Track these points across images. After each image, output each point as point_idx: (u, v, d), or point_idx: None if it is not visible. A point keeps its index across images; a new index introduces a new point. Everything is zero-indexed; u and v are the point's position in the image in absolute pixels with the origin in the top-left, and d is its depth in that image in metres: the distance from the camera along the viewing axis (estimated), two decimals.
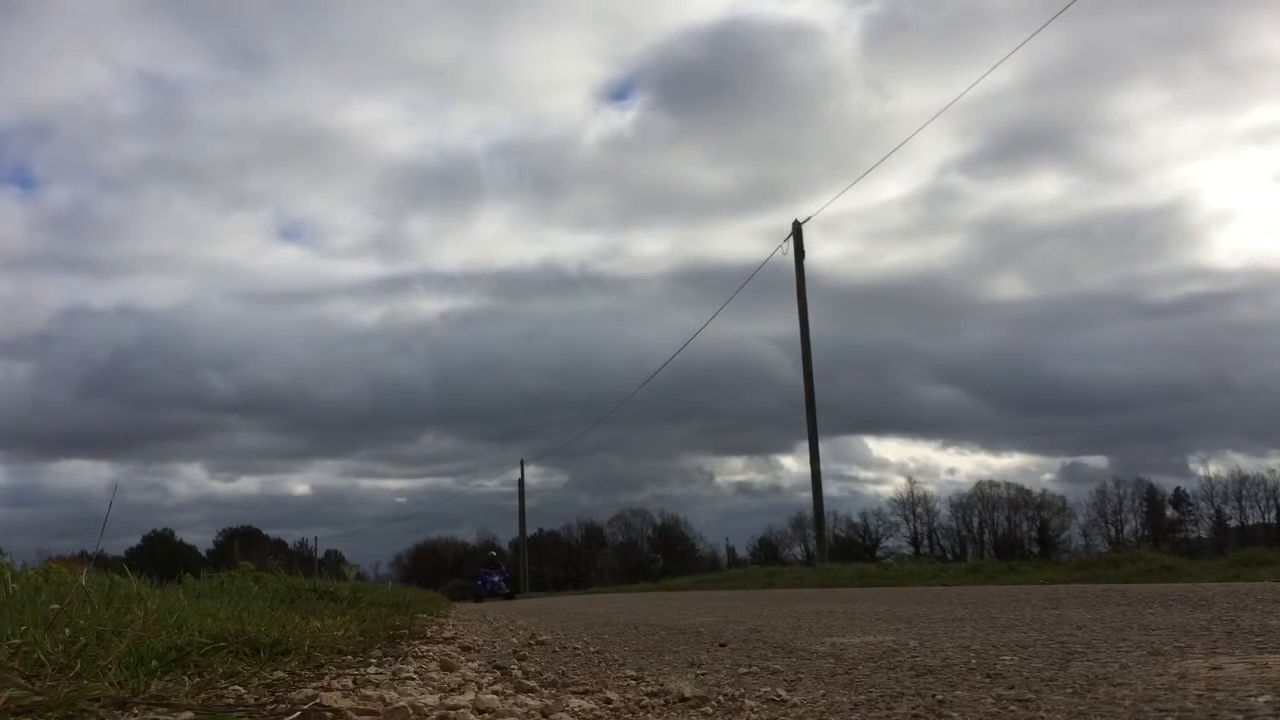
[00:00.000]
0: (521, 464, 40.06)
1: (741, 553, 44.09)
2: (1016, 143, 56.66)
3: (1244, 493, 39.89)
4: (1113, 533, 39.62)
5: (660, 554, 48.21)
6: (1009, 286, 58.91)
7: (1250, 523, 38.89)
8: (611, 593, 21.13)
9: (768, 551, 41.60)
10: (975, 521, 42.19)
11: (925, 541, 42.69)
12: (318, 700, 1.43)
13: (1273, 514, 39.63)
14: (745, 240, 55.99)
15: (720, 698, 1.50)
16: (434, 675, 1.86)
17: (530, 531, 43.35)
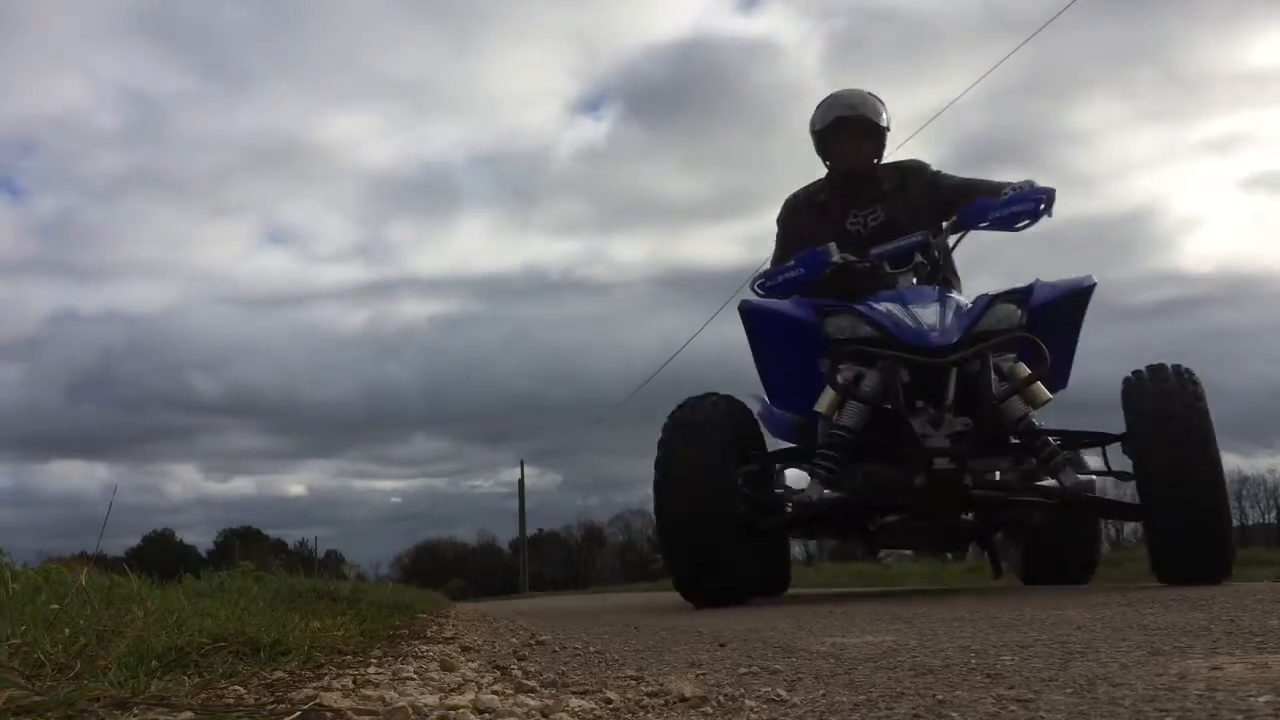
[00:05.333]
0: (521, 464, 39.86)
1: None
2: (980, 152, 57.24)
3: (1244, 493, 39.86)
4: (1113, 533, 39.55)
5: (661, 554, 48.12)
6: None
7: (1250, 523, 38.86)
8: (612, 592, 21.10)
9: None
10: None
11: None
12: (318, 700, 1.43)
13: (1273, 514, 39.55)
14: (723, 245, 56.32)
15: (720, 697, 1.50)
16: (434, 675, 1.86)
17: (530, 532, 43.31)
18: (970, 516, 4.63)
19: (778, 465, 4.49)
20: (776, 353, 4.35)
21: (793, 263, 4.40)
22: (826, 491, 4.03)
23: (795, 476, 4.57)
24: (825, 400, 4.05)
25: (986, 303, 4.10)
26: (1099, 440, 4.18)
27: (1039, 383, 3.91)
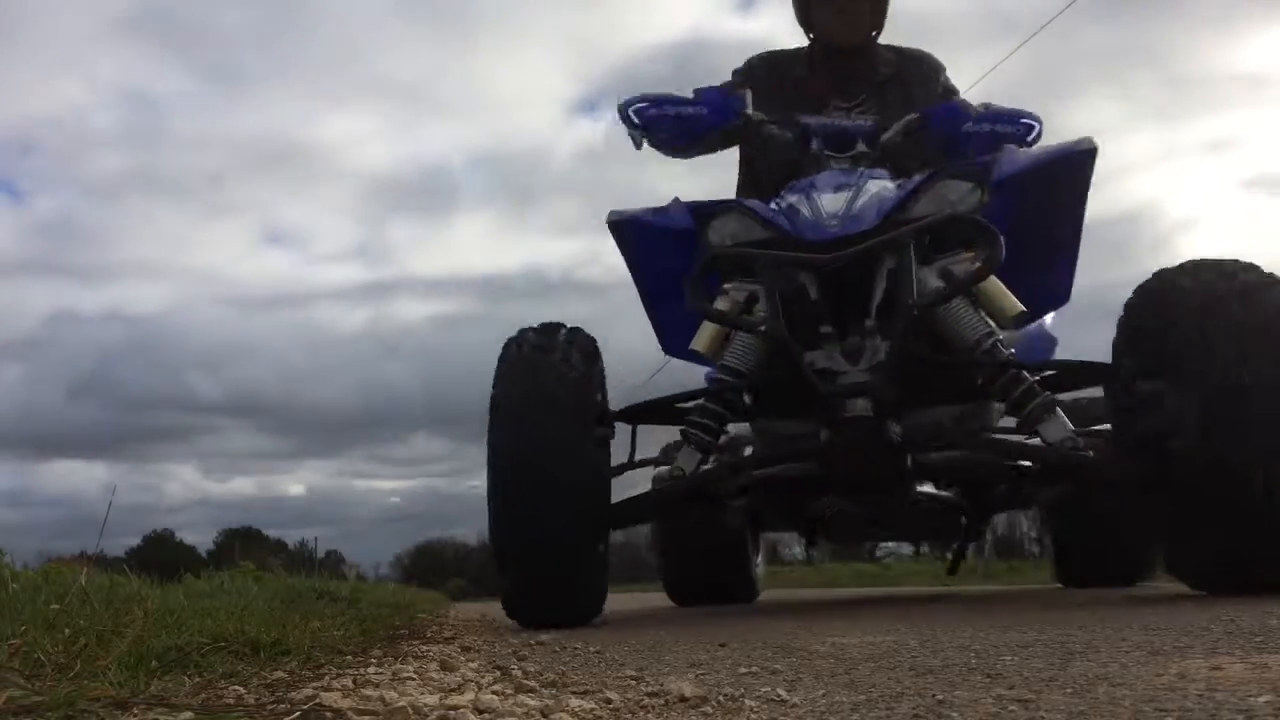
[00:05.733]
0: None
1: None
2: None
3: None
4: None
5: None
6: None
7: None
8: (611, 592, 21.00)
9: (768, 552, 41.54)
10: None
11: (925, 542, 42.60)
12: (318, 700, 1.43)
13: None
14: None
15: (720, 697, 1.50)
16: (434, 675, 1.86)
17: None
18: (946, 491, 3.69)
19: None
20: (657, 279, 3.34)
21: (693, 95, 3.29)
22: (701, 461, 3.05)
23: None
24: (704, 335, 3.08)
25: (924, 179, 2.95)
26: (1093, 375, 3.03)
27: (999, 287, 2.82)
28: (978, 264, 2.78)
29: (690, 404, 3.17)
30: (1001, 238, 2.72)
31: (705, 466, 3.09)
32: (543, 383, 3.02)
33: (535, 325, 3.22)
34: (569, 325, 3.23)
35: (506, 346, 3.22)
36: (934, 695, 1.41)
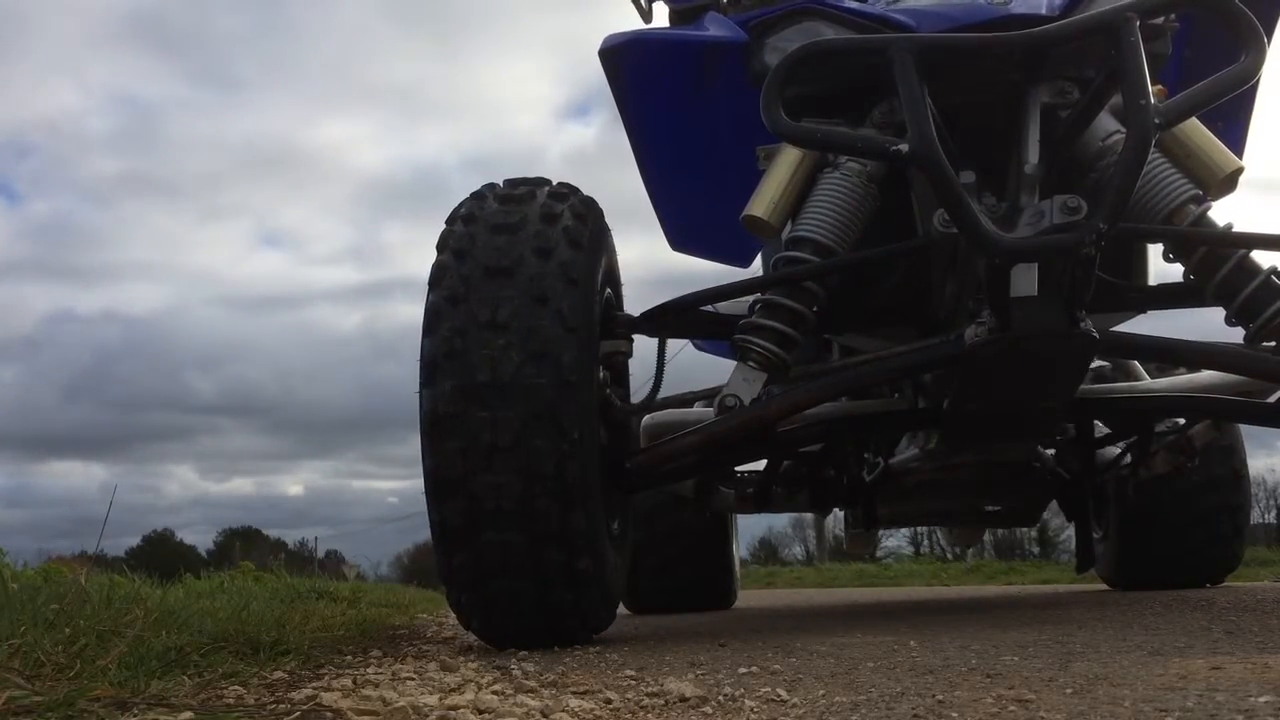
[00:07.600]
0: None
1: (741, 552, 43.90)
2: None
3: None
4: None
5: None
6: None
7: (1250, 523, 38.65)
8: None
9: (767, 551, 41.60)
10: None
11: (925, 542, 42.71)
12: (318, 700, 1.43)
13: (1273, 514, 39.58)
14: None
15: (720, 698, 1.50)
16: (434, 675, 1.86)
17: None
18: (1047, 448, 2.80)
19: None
20: (673, 131, 2.38)
21: None
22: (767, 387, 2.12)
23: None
24: (765, 194, 2.10)
25: None
26: None
27: (1205, 133, 2.10)
28: (1235, 68, 1.91)
29: (754, 303, 2.22)
30: (1262, 34, 1.92)
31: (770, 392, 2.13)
32: (520, 264, 2.02)
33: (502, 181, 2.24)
34: (560, 183, 2.24)
35: (456, 211, 2.17)
36: (934, 695, 1.42)
